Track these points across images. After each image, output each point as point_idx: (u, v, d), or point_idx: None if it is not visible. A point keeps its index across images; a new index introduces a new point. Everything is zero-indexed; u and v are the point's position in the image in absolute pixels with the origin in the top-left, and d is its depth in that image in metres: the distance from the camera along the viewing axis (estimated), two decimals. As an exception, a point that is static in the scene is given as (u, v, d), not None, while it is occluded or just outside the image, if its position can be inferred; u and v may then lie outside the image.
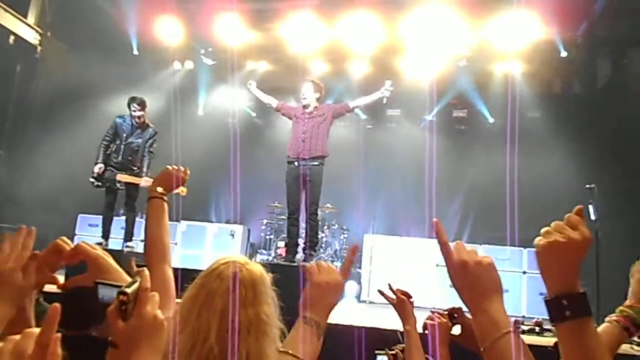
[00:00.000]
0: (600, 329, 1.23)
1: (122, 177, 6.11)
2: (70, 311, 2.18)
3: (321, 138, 5.53)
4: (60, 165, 8.39)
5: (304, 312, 1.13)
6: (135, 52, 9.74)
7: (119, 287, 0.96)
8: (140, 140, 6.21)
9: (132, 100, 6.20)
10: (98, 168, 6.11)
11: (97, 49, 9.27)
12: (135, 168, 6.17)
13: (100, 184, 6.15)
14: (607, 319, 1.25)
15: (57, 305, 0.79)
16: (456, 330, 1.66)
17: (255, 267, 1.44)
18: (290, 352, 1.17)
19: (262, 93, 6.21)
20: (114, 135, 6.23)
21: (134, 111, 6.16)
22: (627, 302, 1.24)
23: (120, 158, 6.16)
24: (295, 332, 1.12)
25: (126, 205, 6.34)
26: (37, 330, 0.74)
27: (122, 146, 6.18)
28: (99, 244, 5.96)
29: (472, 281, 0.99)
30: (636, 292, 1.23)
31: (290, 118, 5.85)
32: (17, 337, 0.73)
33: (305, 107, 5.67)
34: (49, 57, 9.20)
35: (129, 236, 6.29)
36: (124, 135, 6.19)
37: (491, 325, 0.96)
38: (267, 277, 1.45)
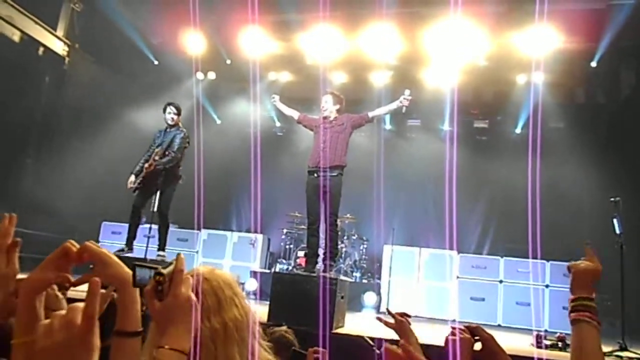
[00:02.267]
0: (585, 335, 1.26)
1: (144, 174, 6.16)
2: (104, 324, 2.24)
3: (340, 148, 5.53)
4: (85, 174, 8.57)
5: None
6: (160, 63, 9.94)
7: (156, 269, 1.01)
8: (166, 140, 6.26)
9: (170, 104, 6.39)
10: (130, 182, 6.21)
11: (122, 60, 9.49)
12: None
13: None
14: (575, 316, 1.28)
15: (97, 279, 0.83)
16: (477, 346, 1.65)
17: (218, 274, 1.36)
18: None
19: (285, 106, 6.25)
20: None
21: (169, 113, 6.31)
22: (582, 294, 1.29)
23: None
24: None
25: (158, 210, 6.27)
26: (81, 304, 0.78)
27: (152, 152, 6.24)
28: (121, 250, 6.03)
29: None
30: (582, 283, 1.32)
31: (311, 129, 5.89)
32: (63, 312, 0.78)
33: (325, 118, 5.70)
34: (77, 68, 9.43)
35: (162, 245, 6.28)
36: (156, 141, 6.31)
37: None
38: (233, 280, 1.37)
